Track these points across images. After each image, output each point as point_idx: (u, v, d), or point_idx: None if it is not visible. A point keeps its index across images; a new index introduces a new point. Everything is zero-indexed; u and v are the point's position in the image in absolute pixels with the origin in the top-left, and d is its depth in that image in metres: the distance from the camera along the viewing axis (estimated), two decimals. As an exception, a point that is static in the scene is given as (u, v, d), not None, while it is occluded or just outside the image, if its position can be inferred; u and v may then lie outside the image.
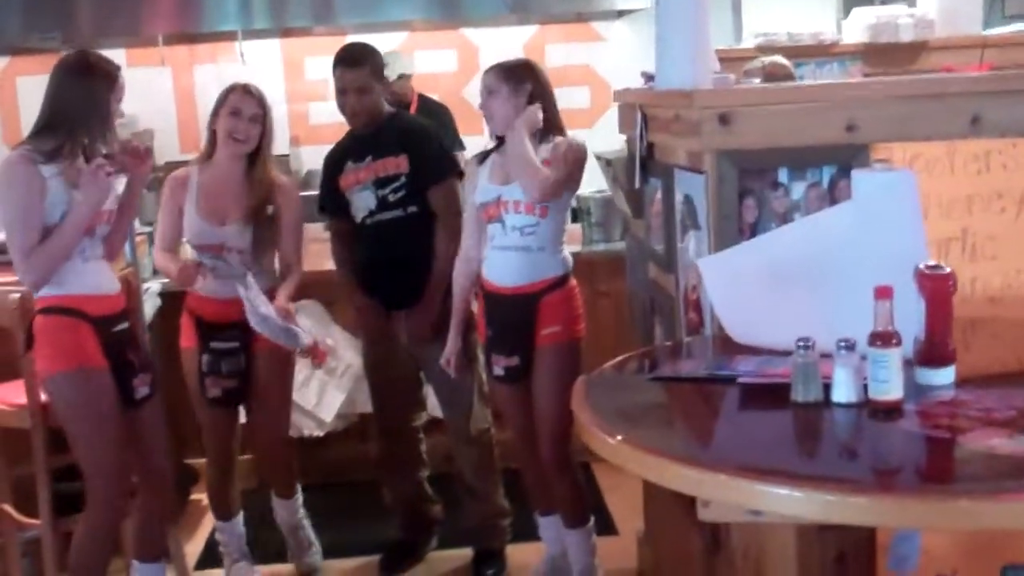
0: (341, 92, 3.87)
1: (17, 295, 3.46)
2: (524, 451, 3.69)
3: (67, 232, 3.19)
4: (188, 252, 3.93)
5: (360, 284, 3.99)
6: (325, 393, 4.65)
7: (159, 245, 3.79)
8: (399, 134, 3.91)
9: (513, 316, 3.52)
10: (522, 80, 3.47)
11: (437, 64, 6.22)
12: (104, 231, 3.33)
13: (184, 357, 3.82)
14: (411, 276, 3.88)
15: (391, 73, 5.06)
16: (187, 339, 3.81)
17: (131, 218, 3.56)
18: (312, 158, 5.97)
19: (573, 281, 3.58)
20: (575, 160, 3.46)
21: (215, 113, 3.71)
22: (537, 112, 3.41)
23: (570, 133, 3.61)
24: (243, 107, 3.67)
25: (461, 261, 3.66)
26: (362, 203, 3.92)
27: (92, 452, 3.29)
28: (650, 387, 2.44)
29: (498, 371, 3.61)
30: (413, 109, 5.56)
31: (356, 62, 3.83)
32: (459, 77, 6.24)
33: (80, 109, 3.21)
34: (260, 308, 3.60)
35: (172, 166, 4.99)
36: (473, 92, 6.97)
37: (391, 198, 3.88)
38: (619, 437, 2.06)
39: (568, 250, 3.62)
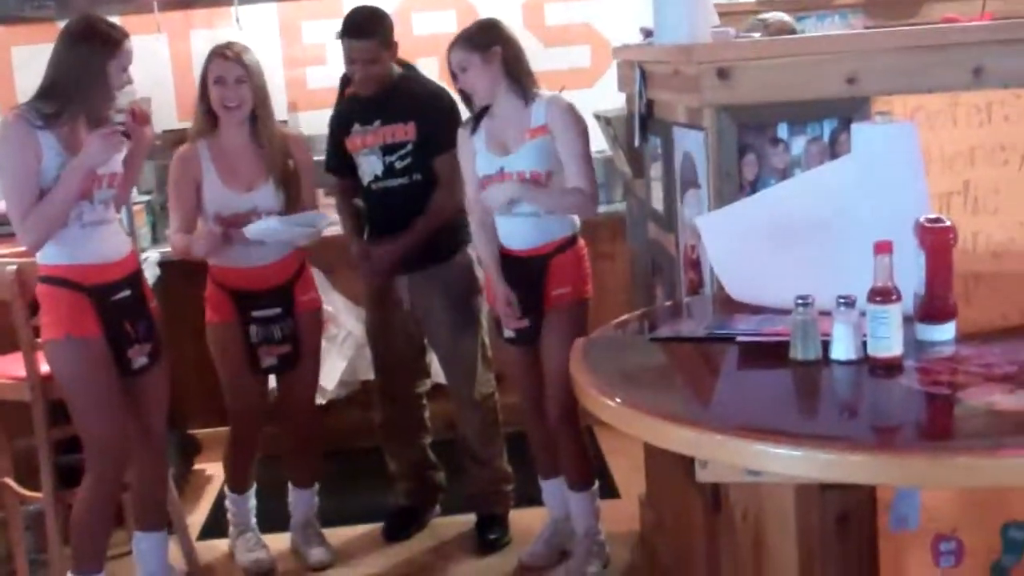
0: (349, 61, 3.83)
1: (14, 266, 3.45)
2: (531, 414, 3.69)
3: (60, 192, 3.17)
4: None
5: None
6: (326, 361, 4.64)
7: (176, 227, 3.71)
8: (409, 99, 3.87)
9: (524, 278, 3.52)
10: (489, 44, 3.42)
11: (435, 25, 6.16)
12: (105, 196, 3.31)
13: (214, 332, 3.77)
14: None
15: None
16: (219, 313, 3.75)
17: (132, 184, 3.53)
18: (311, 123, 5.91)
19: (581, 241, 3.58)
20: (580, 123, 3.43)
21: (203, 83, 3.66)
22: (508, 192, 3.39)
23: (565, 94, 3.57)
24: (226, 73, 3.62)
25: (478, 226, 3.60)
26: (368, 167, 3.90)
27: (88, 422, 3.31)
28: (650, 348, 2.43)
29: (508, 333, 3.60)
30: None
31: (363, 33, 3.78)
32: (458, 39, 6.18)
33: (78, 75, 3.19)
34: (276, 227, 3.58)
35: (170, 134, 4.97)
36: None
37: (397, 165, 3.86)
38: (618, 399, 2.06)
39: None
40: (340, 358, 4.68)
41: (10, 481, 3.74)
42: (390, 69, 3.88)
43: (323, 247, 4.36)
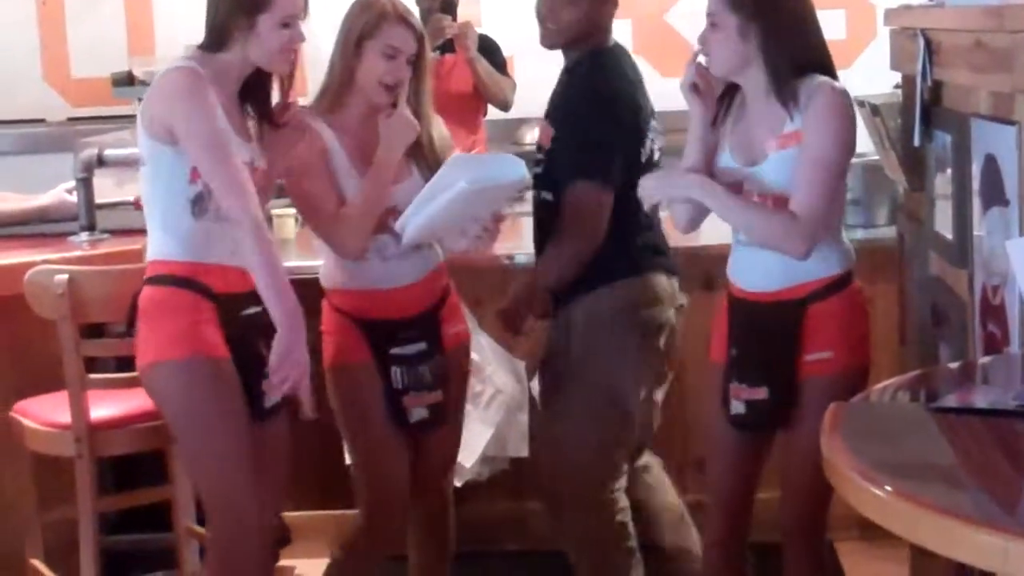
0: None
1: (64, 276, 3.62)
2: (716, 526, 3.68)
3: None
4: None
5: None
6: (465, 427, 4.71)
7: (331, 212, 3.72)
8: (564, 90, 3.96)
9: (766, 331, 3.44)
10: (761, 9, 3.31)
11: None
12: None
13: (344, 377, 3.83)
14: None
15: None
16: (349, 351, 3.81)
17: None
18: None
19: (856, 283, 3.47)
20: (839, 121, 3.34)
21: (355, 42, 3.66)
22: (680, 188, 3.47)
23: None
24: (403, 47, 3.66)
25: None
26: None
27: (215, 475, 3.41)
28: (930, 423, 2.46)
29: (736, 407, 3.50)
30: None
31: None
32: (662, -6, 6.28)
33: (228, 27, 3.36)
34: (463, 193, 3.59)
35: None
36: (681, 14, 6.98)
37: (535, 171, 3.94)
38: (888, 487, 2.09)
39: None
40: (485, 425, 4.72)
41: (39, 564, 3.89)
42: (585, 26, 3.88)
43: (467, 271, 4.44)
